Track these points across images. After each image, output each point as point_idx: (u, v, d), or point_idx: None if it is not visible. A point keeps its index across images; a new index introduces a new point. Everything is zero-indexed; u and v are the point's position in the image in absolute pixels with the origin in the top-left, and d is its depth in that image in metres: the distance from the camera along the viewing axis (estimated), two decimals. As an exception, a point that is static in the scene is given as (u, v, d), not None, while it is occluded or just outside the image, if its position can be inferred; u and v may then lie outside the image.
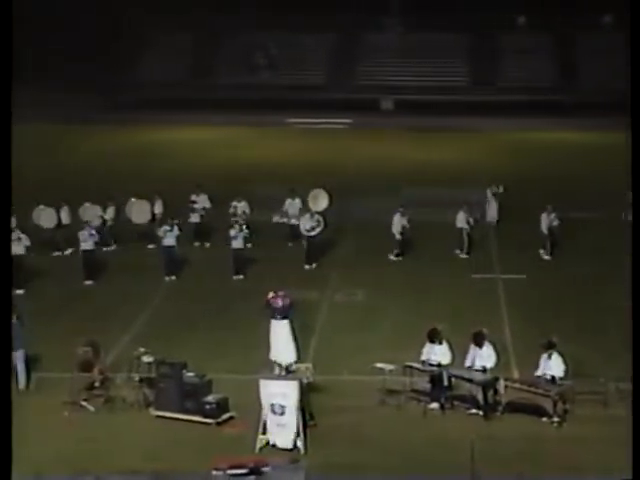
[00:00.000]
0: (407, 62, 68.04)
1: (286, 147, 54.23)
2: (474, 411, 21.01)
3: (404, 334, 24.97)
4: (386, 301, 28.45)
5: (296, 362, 20.86)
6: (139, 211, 33.39)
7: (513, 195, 37.48)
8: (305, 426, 19.75)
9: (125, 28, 68.20)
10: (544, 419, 20.52)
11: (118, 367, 22.85)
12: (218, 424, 20.47)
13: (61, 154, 51.70)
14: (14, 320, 22.05)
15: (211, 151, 52.68)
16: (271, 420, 19.66)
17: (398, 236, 32.39)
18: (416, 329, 23.47)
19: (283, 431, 19.57)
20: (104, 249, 32.99)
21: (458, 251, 32.71)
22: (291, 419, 19.55)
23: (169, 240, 30.54)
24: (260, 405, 19.79)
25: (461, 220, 32.73)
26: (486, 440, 19.15)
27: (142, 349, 22.20)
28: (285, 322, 20.50)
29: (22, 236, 29.60)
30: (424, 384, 21.68)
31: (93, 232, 30.49)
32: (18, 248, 29.28)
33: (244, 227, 30.79)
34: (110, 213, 33.79)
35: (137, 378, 21.74)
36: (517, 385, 21.02)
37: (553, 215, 32.33)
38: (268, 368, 20.87)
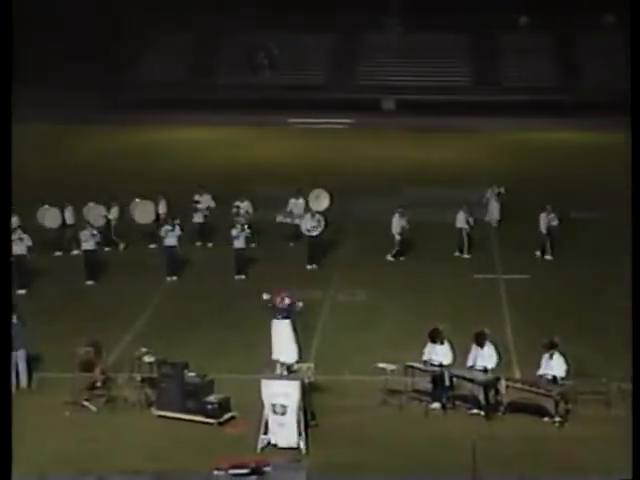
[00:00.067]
0: (408, 62, 68.06)
1: (287, 147, 54.24)
2: (475, 411, 21.00)
3: (406, 334, 24.97)
4: (388, 301, 28.46)
5: (298, 362, 20.85)
6: (143, 211, 33.38)
7: (514, 195, 37.49)
8: (306, 426, 19.75)
9: (125, 28, 68.23)
10: (546, 419, 20.52)
11: (120, 367, 22.85)
12: (220, 424, 20.46)
13: (61, 154, 51.71)
14: (16, 320, 22.09)
15: (211, 151, 52.68)
16: (272, 420, 19.66)
17: (397, 236, 32.38)
18: (418, 329, 23.45)
19: (284, 431, 19.57)
20: (106, 249, 32.99)
21: (457, 252, 32.69)
22: (292, 419, 19.55)
23: (170, 240, 30.54)
24: (262, 405, 19.80)
25: (461, 220, 32.73)
26: (487, 440, 19.14)
27: (144, 349, 22.20)
28: (287, 322, 20.50)
29: (24, 236, 29.59)
30: (426, 384, 21.68)
31: (95, 232, 30.49)
32: (20, 248, 29.31)
33: (246, 227, 30.81)
34: (114, 213, 33.79)
35: (139, 378, 21.73)
36: (519, 385, 21.02)
37: (552, 215, 32.34)
38: (270, 368, 20.86)
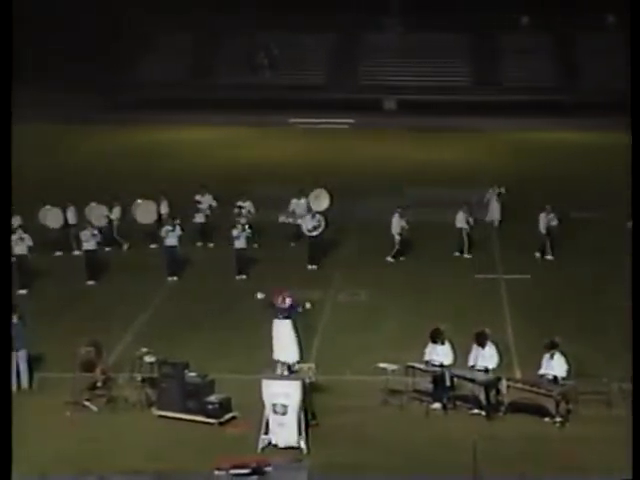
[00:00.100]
0: (408, 62, 67.99)
1: (287, 147, 54.21)
2: (476, 411, 21.01)
3: (407, 334, 24.98)
4: (389, 301, 28.46)
5: (299, 362, 20.84)
6: (145, 211, 33.37)
7: (515, 195, 37.48)
8: (307, 426, 19.75)
9: (125, 28, 68.20)
10: (546, 419, 20.52)
11: (120, 367, 22.86)
12: (220, 424, 20.47)
13: (61, 154, 51.66)
14: (16, 320, 22.10)
15: (212, 151, 52.65)
16: (273, 420, 19.66)
17: (397, 237, 32.36)
18: (419, 329, 23.47)
19: (285, 431, 19.57)
20: (107, 249, 32.97)
21: (458, 252, 32.68)
22: (293, 419, 19.55)
23: (171, 240, 30.54)
24: (262, 405, 19.80)
25: (460, 220, 32.73)
26: (488, 440, 19.14)
27: (144, 349, 22.21)
28: (288, 322, 20.49)
29: (25, 236, 29.59)
30: (426, 384, 21.69)
31: (95, 232, 30.49)
32: (21, 248, 29.33)
33: (246, 227, 30.81)
34: (116, 213, 33.77)
35: (139, 378, 21.74)
36: (519, 385, 21.03)
37: (552, 215, 32.34)
38: (271, 368, 20.85)
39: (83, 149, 53.28)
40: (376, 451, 19.35)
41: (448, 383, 21.33)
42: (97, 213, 32.92)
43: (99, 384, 22.00)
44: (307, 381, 20.25)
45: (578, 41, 68.70)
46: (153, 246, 33.01)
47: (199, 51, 69.98)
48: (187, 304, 28.46)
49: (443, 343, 21.52)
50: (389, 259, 32.21)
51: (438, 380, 21.41)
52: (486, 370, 21.19)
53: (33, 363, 22.92)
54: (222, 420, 20.54)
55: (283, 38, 69.16)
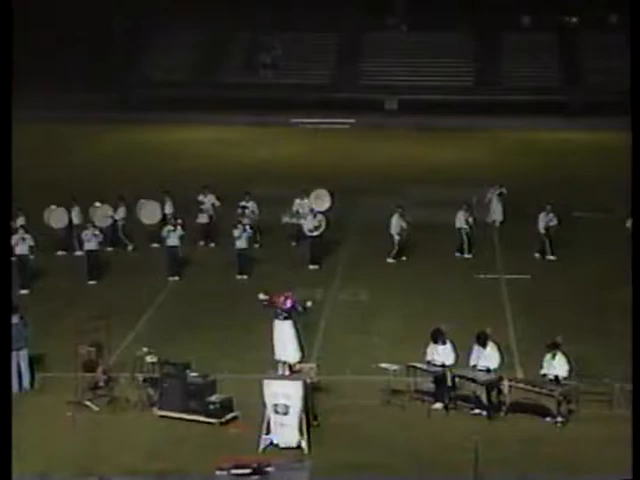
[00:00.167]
0: (411, 62, 67.97)
1: (289, 147, 54.21)
2: (478, 411, 21.01)
3: (408, 334, 24.97)
4: (390, 301, 28.45)
5: (300, 362, 20.82)
6: (149, 211, 33.35)
7: (516, 195, 37.47)
8: (308, 426, 19.74)
9: (128, 28, 68.26)
10: (548, 419, 20.51)
11: (122, 367, 22.87)
12: (222, 424, 20.46)
13: (64, 154, 51.62)
14: (18, 320, 22.10)
15: (213, 151, 52.65)
16: (274, 420, 19.66)
17: (396, 236, 32.33)
18: (420, 329, 23.47)
19: (286, 431, 19.57)
20: (109, 249, 32.97)
21: (457, 252, 32.66)
22: (294, 419, 19.55)
23: (172, 240, 30.55)
24: (264, 405, 19.80)
25: (460, 220, 32.71)
26: (489, 440, 19.11)
27: (146, 349, 22.24)
28: (289, 322, 20.49)
29: (26, 236, 29.58)
30: (428, 384, 21.68)
31: (97, 232, 30.50)
32: (22, 248, 29.33)
33: (247, 227, 30.81)
34: (121, 213, 33.76)
35: (141, 378, 21.76)
36: (521, 385, 21.01)
37: (551, 215, 32.33)
38: (272, 368, 20.83)
39: (86, 149, 53.26)
40: (377, 451, 19.34)
41: (449, 383, 21.32)
42: (101, 213, 32.94)
43: (101, 384, 22.00)
44: (308, 381, 20.25)
45: (580, 41, 68.63)
46: (155, 245, 33.00)
47: (203, 51, 69.96)
48: (188, 304, 28.45)
49: (444, 343, 21.50)
50: (390, 260, 32.19)
51: (439, 380, 21.40)
52: (488, 370, 21.17)
53: (35, 363, 22.90)
54: (223, 420, 20.53)
55: (287, 38, 69.16)
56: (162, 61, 68.54)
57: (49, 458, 19.09)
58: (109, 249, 33.04)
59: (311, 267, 31.68)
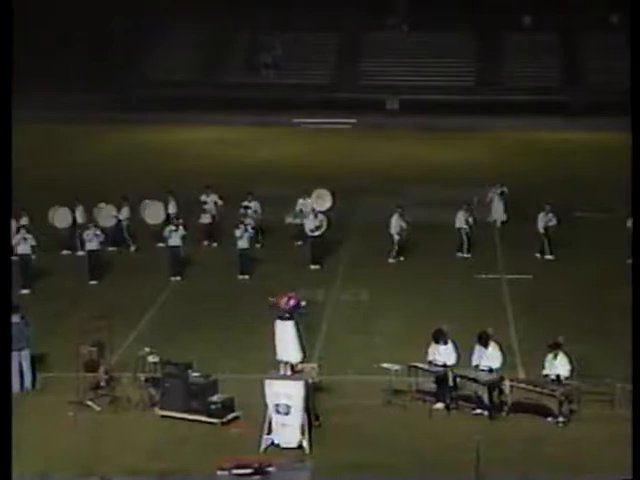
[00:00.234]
0: (412, 62, 67.97)
1: (290, 147, 54.21)
2: (479, 411, 21.00)
3: (409, 334, 24.97)
4: (391, 301, 28.45)
5: (301, 362, 20.82)
6: (153, 211, 33.35)
7: (518, 195, 37.47)
8: (310, 426, 19.74)
9: (130, 27, 68.25)
10: (549, 419, 20.51)
11: (123, 367, 22.87)
12: (223, 424, 20.46)
13: (63, 154, 51.57)
14: (19, 320, 22.10)
15: (214, 151, 52.64)
16: (276, 420, 19.66)
17: (396, 236, 32.32)
18: (421, 329, 23.47)
19: (288, 431, 19.57)
20: (110, 249, 32.97)
21: (458, 252, 32.66)
22: (296, 419, 19.55)
23: (174, 240, 30.57)
24: (265, 405, 19.79)
25: (460, 220, 32.71)
26: (491, 440, 19.10)
27: (147, 349, 22.24)
28: (290, 323, 20.49)
29: (28, 236, 29.59)
30: (429, 384, 21.68)
31: (98, 232, 30.52)
32: (23, 248, 29.34)
33: (249, 227, 30.82)
34: (125, 213, 33.76)
35: (143, 378, 21.76)
36: (522, 385, 21.01)
37: (550, 215, 32.34)
38: (274, 368, 20.83)
39: (87, 149, 53.25)
40: (379, 451, 19.34)
41: (451, 383, 21.32)
42: (105, 213, 32.96)
43: (102, 384, 22.01)
44: (310, 381, 20.25)
45: (581, 41, 68.62)
46: (161, 245, 32.96)
47: (202, 51, 69.97)
48: (190, 304, 28.46)
49: (446, 343, 21.50)
50: (391, 261, 32.18)
51: (441, 380, 21.40)
52: (490, 370, 21.16)
53: (36, 363, 22.90)
54: (225, 420, 20.53)
55: (288, 38, 69.16)
56: (162, 61, 68.57)
57: (51, 458, 19.09)
58: (111, 249, 33.04)
59: (312, 267, 31.68)
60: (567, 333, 22.15)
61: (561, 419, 20.42)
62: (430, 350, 21.66)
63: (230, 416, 20.65)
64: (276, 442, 19.59)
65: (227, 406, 20.70)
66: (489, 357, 21.21)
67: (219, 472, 18.39)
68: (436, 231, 34.39)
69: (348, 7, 68.70)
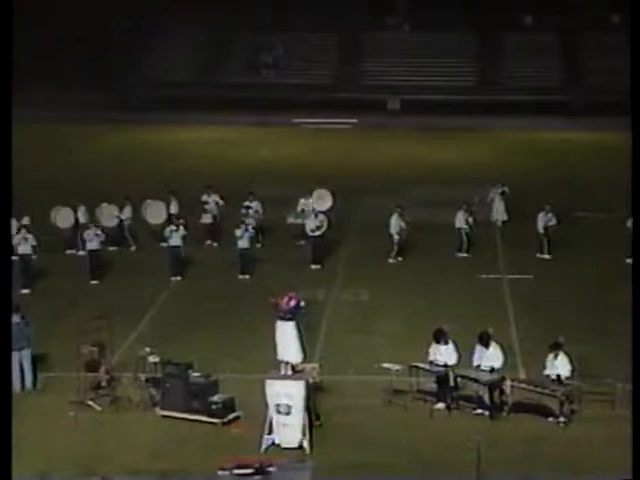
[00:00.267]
0: (413, 62, 67.95)
1: (291, 147, 54.20)
2: (480, 411, 21.00)
3: (410, 334, 24.96)
4: (392, 301, 28.45)
5: (302, 362, 20.82)
6: (155, 211, 33.35)
7: (519, 195, 37.47)
8: (311, 426, 19.74)
9: (130, 28, 68.24)
10: (550, 419, 20.51)
11: (124, 367, 22.88)
12: (224, 424, 20.47)
13: (63, 154, 51.54)
14: (20, 320, 22.11)
15: (215, 151, 52.63)
16: (277, 420, 19.66)
17: (396, 236, 32.32)
18: (422, 329, 23.46)
19: (289, 431, 19.58)
20: (111, 248, 32.97)
21: (457, 252, 32.65)
22: (297, 419, 19.55)
23: (175, 240, 30.58)
24: (266, 405, 19.79)
25: (460, 220, 32.70)
26: (492, 440, 19.10)
27: (148, 349, 22.24)
28: (291, 323, 20.49)
29: (28, 236, 29.59)
30: (430, 384, 21.68)
31: (99, 232, 30.53)
32: (24, 248, 29.34)
33: (250, 227, 30.82)
34: (127, 213, 33.76)
35: (143, 378, 21.77)
36: (523, 385, 21.01)
37: (550, 215, 32.34)
38: (274, 368, 20.83)
39: (87, 149, 53.23)
40: (380, 451, 19.34)
41: (452, 383, 21.32)
42: (108, 213, 32.97)
43: (103, 384, 22.02)
44: (310, 381, 20.25)
45: (582, 41, 68.59)
46: (163, 244, 32.95)
47: (202, 51, 69.97)
48: (191, 304, 28.46)
49: (447, 343, 21.50)
50: (391, 260, 32.18)
51: (442, 380, 21.40)
52: (491, 370, 21.16)
53: (37, 363, 22.91)
54: (225, 420, 20.54)
55: (288, 37, 69.14)
56: (162, 61, 68.52)
57: (51, 458, 19.10)
58: (112, 249, 33.03)
59: (313, 267, 31.68)
60: (568, 333, 22.17)
61: (562, 419, 20.42)
62: (431, 350, 21.66)
63: (231, 416, 20.66)
64: (277, 442, 19.60)
65: (228, 406, 20.70)
66: (490, 357, 21.21)
67: (220, 472, 18.39)
68: (436, 231, 34.39)
69: (349, 7, 68.68)
